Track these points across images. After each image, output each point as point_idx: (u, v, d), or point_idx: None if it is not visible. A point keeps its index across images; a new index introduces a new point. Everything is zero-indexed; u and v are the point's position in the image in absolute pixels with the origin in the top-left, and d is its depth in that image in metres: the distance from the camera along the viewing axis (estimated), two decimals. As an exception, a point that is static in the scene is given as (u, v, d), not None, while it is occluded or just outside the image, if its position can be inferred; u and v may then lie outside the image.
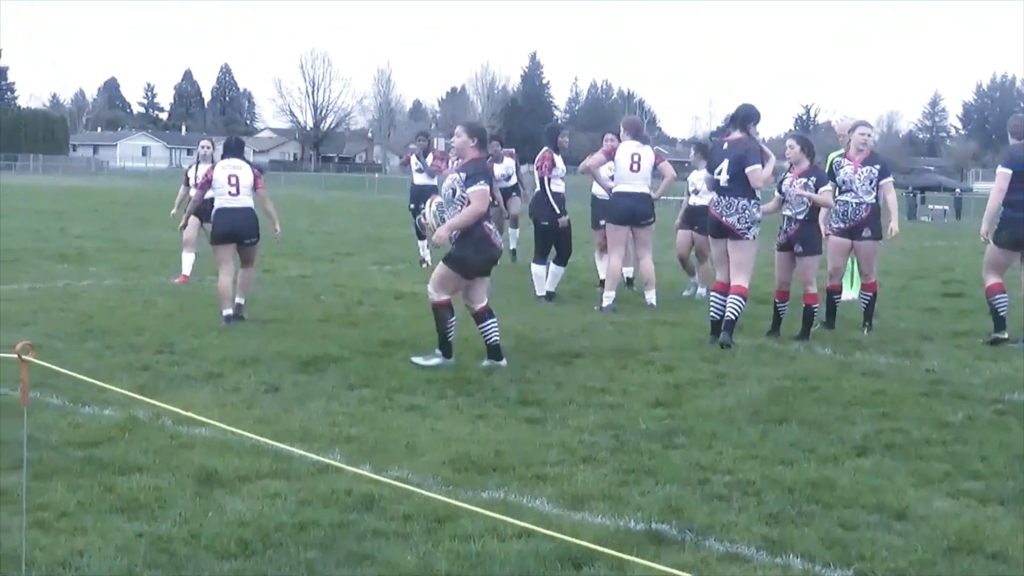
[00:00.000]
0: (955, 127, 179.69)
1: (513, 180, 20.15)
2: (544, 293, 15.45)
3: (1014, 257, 12.70)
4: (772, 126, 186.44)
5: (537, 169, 15.46)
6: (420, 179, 20.27)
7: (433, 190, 19.85)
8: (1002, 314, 12.55)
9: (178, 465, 7.01)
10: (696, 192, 15.87)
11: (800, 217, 12.54)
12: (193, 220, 15.89)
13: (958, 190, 71.26)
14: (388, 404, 8.93)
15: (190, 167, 17.40)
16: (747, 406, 9.06)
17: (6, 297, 14.43)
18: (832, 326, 13.13)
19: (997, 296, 12.55)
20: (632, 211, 14.83)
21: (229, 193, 13.15)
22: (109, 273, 17.66)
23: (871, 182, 12.94)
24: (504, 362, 10.59)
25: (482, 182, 10.50)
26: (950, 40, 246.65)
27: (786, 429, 8.34)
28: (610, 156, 14.97)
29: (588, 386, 9.73)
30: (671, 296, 15.74)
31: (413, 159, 20.46)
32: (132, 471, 6.87)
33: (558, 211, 15.33)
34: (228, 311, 12.95)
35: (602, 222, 16.23)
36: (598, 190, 16.34)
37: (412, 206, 20.18)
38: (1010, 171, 12.35)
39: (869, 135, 13.26)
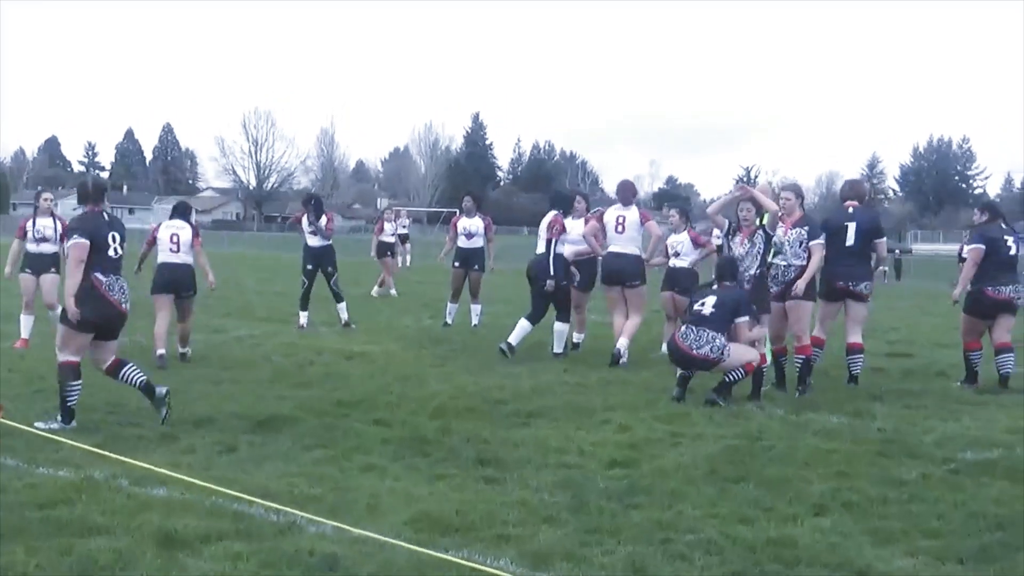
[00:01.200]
0: (893, 189, 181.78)
1: (477, 241, 20.24)
2: (561, 350, 16.03)
3: (836, 307, 13.86)
4: (712, 187, 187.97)
5: (548, 230, 15.75)
6: (313, 241, 19.67)
7: (330, 250, 19.65)
8: (814, 364, 13.47)
9: (138, 526, 6.95)
10: (677, 255, 15.96)
11: (751, 272, 12.71)
12: (29, 277, 16.09)
13: (898, 251, 72.04)
14: (346, 464, 8.91)
15: (27, 219, 16.45)
16: (704, 465, 9.11)
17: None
18: (783, 387, 13.25)
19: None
20: (619, 271, 15.32)
21: (170, 250, 14.98)
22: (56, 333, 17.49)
23: (800, 244, 13.16)
24: (165, 389, 10.60)
25: (77, 236, 10.37)
26: (888, 102, 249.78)
27: (744, 488, 8.40)
28: (601, 221, 15.52)
29: (545, 446, 9.74)
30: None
31: (304, 220, 19.65)
32: (91, 533, 6.81)
33: (552, 272, 15.78)
34: (161, 351, 14.46)
35: (564, 283, 16.54)
36: (568, 251, 16.61)
37: (309, 267, 19.50)
38: (822, 240, 13.25)
39: (789, 199, 13.47)
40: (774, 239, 13.09)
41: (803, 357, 13.18)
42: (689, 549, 6.81)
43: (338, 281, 19.69)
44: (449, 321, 20.44)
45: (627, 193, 15.82)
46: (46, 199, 16.57)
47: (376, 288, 28.64)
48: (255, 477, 8.37)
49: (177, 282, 14.89)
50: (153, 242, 15.14)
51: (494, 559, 6.50)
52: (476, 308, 20.56)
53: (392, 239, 29.48)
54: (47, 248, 16.05)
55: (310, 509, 7.35)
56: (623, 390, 12.94)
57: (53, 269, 16.06)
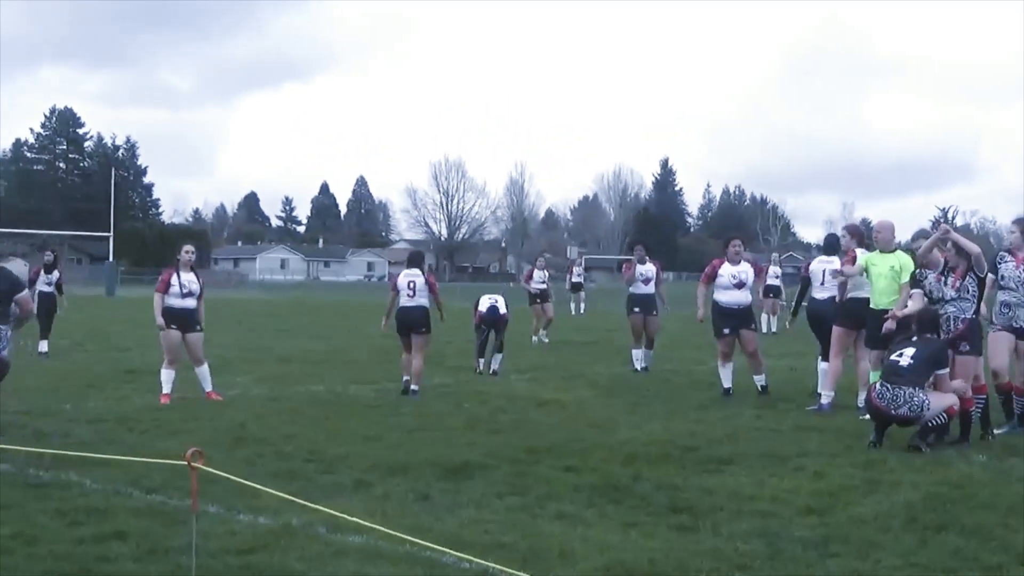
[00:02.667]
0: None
1: (650, 287, 20.80)
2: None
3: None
4: (907, 230, 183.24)
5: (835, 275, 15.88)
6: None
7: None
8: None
9: (334, 572, 7.08)
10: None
11: (968, 315, 12.67)
12: (175, 334, 15.58)
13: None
14: (538, 512, 8.91)
15: (167, 272, 15.92)
16: (902, 513, 8.87)
17: (158, 406, 14.75)
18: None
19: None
20: (863, 317, 14.98)
21: (408, 295, 17.01)
22: (255, 382, 17.95)
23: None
24: None
25: None
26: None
27: (945, 537, 8.14)
28: (853, 263, 15.24)
29: (738, 493, 9.61)
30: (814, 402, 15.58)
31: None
32: (289, 578, 6.94)
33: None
34: (406, 378, 16.97)
35: (726, 330, 16.40)
36: (719, 297, 16.58)
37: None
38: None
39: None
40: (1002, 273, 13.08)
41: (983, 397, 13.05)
42: (889, 599, 6.64)
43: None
44: (637, 367, 20.50)
45: (860, 236, 15.83)
46: (188, 251, 16.09)
47: (534, 336, 28.93)
48: (448, 524, 8.43)
49: (412, 322, 16.95)
50: (395, 289, 17.28)
51: (687, 608, 6.43)
52: (649, 354, 21.08)
53: (544, 286, 29.99)
54: (191, 303, 15.80)
55: (502, 556, 7.36)
56: (818, 436, 12.71)
57: (199, 327, 15.88)
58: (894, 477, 10.36)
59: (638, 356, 20.97)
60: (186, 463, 4.90)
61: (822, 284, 16.05)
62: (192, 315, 15.81)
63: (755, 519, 8.69)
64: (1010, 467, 10.97)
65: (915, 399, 11.85)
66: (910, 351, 12.18)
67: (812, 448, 11.89)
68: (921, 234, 14.26)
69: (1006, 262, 13.17)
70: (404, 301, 17.05)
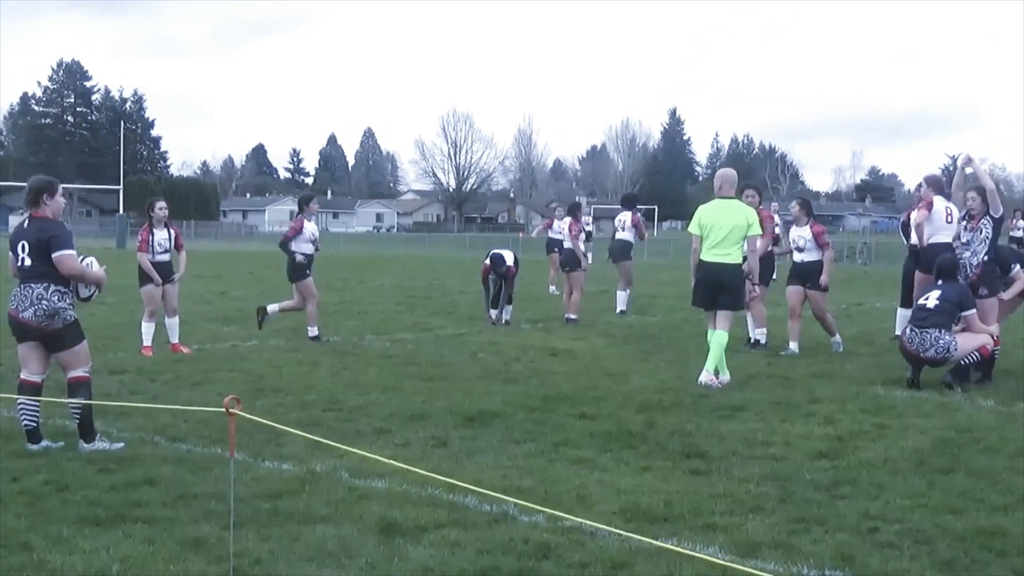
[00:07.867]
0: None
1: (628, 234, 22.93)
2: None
3: None
4: (917, 178, 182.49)
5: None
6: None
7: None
8: None
9: (359, 515, 7.28)
10: (800, 249, 15.81)
11: (980, 257, 13.14)
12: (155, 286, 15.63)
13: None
14: (555, 457, 9.12)
15: (144, 231, 15.85)
16: (911, 457, 9.09)
17: (178, 358, 14.96)
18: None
19: None
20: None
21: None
22: (272, 334, 18.10)
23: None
24: (90, 445, 9.28)
25: None
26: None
27: (953, 479, 8.36)
28: (929, 209, 14.91)
29: (750, 438, 9.82)
30: (827, 349, 15.80)
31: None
32: (316, 521, 7.15)
33: None
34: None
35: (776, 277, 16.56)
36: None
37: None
38: None
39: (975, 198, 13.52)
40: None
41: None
42: (898, 538, 6.83)
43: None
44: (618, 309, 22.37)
45: (939, 185, 15.62)
46: (161, 208, 15.91)
47: (552, 285, 28.83)
48: (467, 469, 8.64)
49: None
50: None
51: (703, 547, 6.63)
52: (625, 296, 22.94)
53: (560, 236, 29.86)
54: (167, 257, 15.96)
55: (522, 499, 7.54)
56: (828, 383, 12.92)
57: (173, 278, 16.00)
58: (903, 422, 10.57)
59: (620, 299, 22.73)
60: (224, 410, 5.10)
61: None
62: (168, 267, 15.97)
63: (767, 463, 8.90)
64: (1017, 412, 11.17)
65: (940, 342, 12.33)
66: (935, 293, 12.70)
67: (823, 395, 12.09)
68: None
69: None
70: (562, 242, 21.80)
